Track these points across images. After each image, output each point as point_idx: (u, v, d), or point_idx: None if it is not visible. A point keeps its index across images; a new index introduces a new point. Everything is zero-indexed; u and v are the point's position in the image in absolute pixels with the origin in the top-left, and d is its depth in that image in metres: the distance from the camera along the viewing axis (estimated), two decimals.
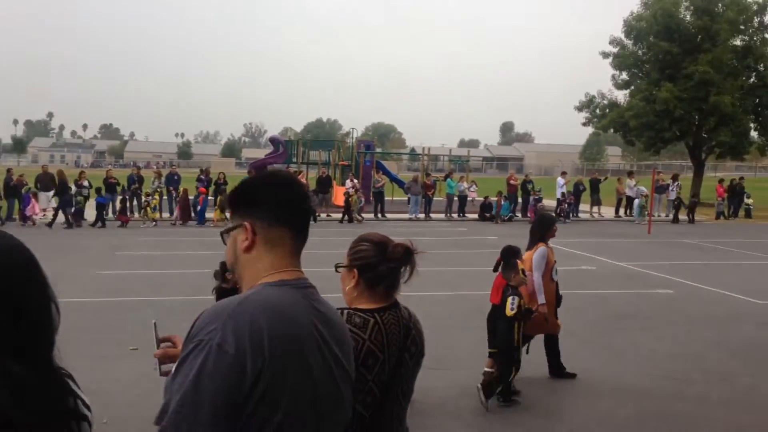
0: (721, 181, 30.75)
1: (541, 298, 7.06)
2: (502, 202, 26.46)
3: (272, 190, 1.83)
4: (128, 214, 22.84)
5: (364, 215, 25.61)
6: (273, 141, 34.62)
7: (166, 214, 24.19)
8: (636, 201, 27.51)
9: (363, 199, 25.47)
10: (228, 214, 1.92)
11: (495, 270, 6.90)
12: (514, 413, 6.32)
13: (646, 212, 26.28)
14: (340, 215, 25.10)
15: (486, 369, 6.87)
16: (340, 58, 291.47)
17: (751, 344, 8.81)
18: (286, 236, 1.81)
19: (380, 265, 2.53)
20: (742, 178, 31.56)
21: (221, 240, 1.91)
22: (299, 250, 1.86)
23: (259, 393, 1.57)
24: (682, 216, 27.62)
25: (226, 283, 5.56)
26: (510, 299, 6.41)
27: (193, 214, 23.40)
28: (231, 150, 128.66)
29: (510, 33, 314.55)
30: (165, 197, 24.78)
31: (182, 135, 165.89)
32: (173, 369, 1.62)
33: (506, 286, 6.57)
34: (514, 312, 6.39)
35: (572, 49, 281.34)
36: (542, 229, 7.43)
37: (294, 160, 33.85)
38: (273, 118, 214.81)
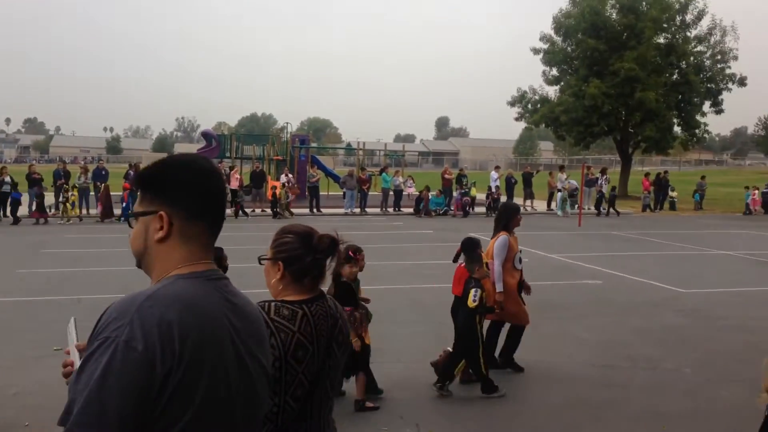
0: (647, 174, 31.79)
1: (499, 286, 7.11)
2: (434, 197, 26.72)
3: (194, 180, 1.73)
4: (48, 211, 22.09)
5: (298, 210, 25.42)
6: (205, 135, 33.96)
7: (93, 211, 23.45)
8: (559, 195, 27.93)
9: (290, 195, 25.27)
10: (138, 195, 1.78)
11: (455, 261, 6.95)
12: (444, 403, 6.36)
13: (568, 205, 26.99)
14: (280, 210, 24.87)
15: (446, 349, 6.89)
16: (277, 53, 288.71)
17: (674, 331, 9.12)
18: (203, 230, 1.74)
19: (306, 257, 2.50)
20: (666, 172, 32.69)
21: (127, 223, 1.80)
22: (213, 242, 1.79)
23: (170, 390, 1.51)
24: (604, 209, 28.42)
25: None
26: (473, 291, 6.45)
27: (119, 211, 22.72)
28: (163, 145, 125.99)
29: (445, 28, 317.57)
30: (92, 193, 24.04)
31: (111, 129, 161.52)
32: (76, 367, 1.54)
33: (469, 278, 6.60)
34: (476, 304, 6.44)
35: (505, 44, 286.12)
36: (506, 218, 7.47)
37: (227, 154, 33.33)
38: (206, 112, 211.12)
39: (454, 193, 27.35)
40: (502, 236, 7.33)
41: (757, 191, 29.76)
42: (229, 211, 25.23)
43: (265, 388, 1.81)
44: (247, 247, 11.34)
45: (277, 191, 24.78)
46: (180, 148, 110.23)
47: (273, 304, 2.46)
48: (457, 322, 6.74)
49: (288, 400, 2.40)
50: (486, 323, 7.05)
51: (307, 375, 2.43)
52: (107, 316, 1.55)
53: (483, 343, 6.63)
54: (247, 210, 25.48)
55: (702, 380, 7.12)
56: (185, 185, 1.71)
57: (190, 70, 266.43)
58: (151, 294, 1.58)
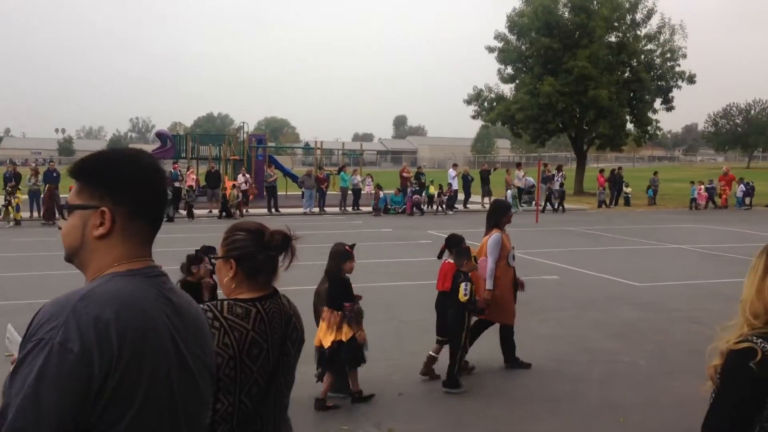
0: (601, 171, 32.33)
1: (490, 284, 7.11)
2: (393, 195, 26.82)
3: (141, 177, 1.67)
4: None
5: (256, 210, 25.22)
6: (160, 136, 33.54)
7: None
8: (508, 192, 27.99)
9: (239, 195, 25.08)
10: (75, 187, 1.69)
11: (439, 257, 7.01)
12: (404, 400, 6.36)
13: (518, 203, 27.31)
14: (231, 211, 24.63)
15: (431, 353, 6.92)
16: (233, 53, 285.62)
17: (629, 324, 9.30)
18: (145, 229, 1.69)
19: (258, 254, 2.47)
20: (620, 168, 33.31)
21: (61, 215, 1.70)
22: (152, 239, 1.74)
23: (108, 392, 1.47)
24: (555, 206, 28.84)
25: (191, 276, 5.80)
26: (463, 285, 6.50)
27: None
28: (117, 145, 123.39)
29: (401, 27, 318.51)
30: (42, 196, 23.48)
31: (63, 131, 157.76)
32: (11, 371, 1.49)
33: (457, 272, 6.64)
34: (467, 298, 6.50)
35: (462, 42, 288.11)
36: (497, 216, 7.48)
37: (183, 155, 32.92)
38: (161, 113, 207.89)
39: (390, 192, 27.39)
40: (495, 234, 7.31)
41: (702, 186, 30.35)
42: (183, 212, 24.93)
43: (209, 387, 1.78)
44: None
45: (227, 192, 24.58)
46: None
47: (226, 302, 2.43)
48: (445, 317, 6.79)
49: (243, 399, 2.37)
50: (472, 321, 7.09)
51: (262, 373, 2.40)
52: (40, 317, 1.50)
53: (468, 338, 6.70)
54: (203, 211, 25.19)
55: (656, 372, 7.26)
56: (132, 182, 1.65)
57: (142, 71, 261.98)
58: (86, 293, 1.53)
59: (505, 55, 37.58)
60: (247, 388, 2.37)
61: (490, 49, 38.03)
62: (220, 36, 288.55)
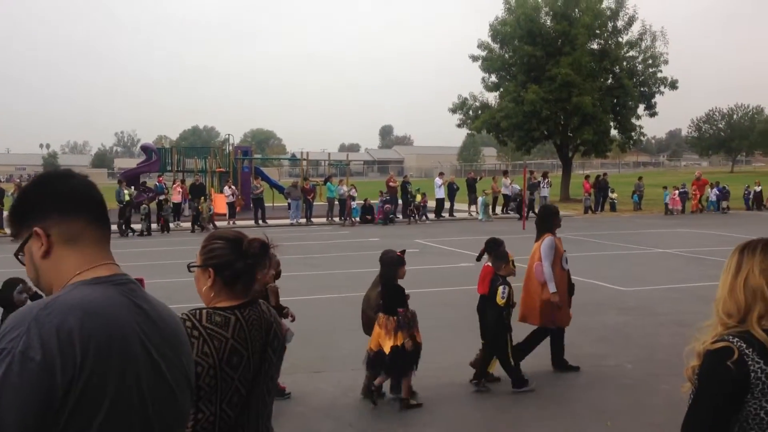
0: (587, 177, 32.52)
1: (552, 287, 7.17)
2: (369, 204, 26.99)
3: (51, 186, 1.71)
4: None
5: (243, 222, 25.14)
6: (145, 149, 33.41)
7: None
8: (480, 200, 27.84)
9: (212, 208, 25.06)
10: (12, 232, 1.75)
11: (478, 260, 7.23)
12: (389, 408, 6.35)
13: (490, 210, 27.30)
14: (221, 222, 24.55)
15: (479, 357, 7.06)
16: (219, 65, 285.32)
17: (616, 329, 9.35)
18: (86, 226, 1.69)
19: (237, 263, 2.48)
20: (606, 174, 33.52)
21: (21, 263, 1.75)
22: (106, 239, 1.74)
23: (73, 400, 1.45)
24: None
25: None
26: (501, 288, 6.66)
27: None
28: (102, 160, 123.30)
29: (386, 37, 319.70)
30: None
31: (48, 146, 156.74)
32: None
33: (495, 276, 6.79)
34: (504, 301, 6.64)
35: (446, 51, 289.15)
36: (548, 220, 7.57)
37: (168, 168, 32.82)
38: (147, 126, 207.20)
39: (375, 202, 27.26)
40: (548, 237, 7.37)
41: (676, 191, 30.32)
42: (172, 225, 24.84)
43: (186, 395, 1.76)
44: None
45: (200, 206, 24.58)
46: (120, 163, 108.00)
47: (205, 311, 2.44)
48: (484, 319, 6.92)
49: (224, 408, 2.37)
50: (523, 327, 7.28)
51: (243, 382, 2.40)
52: (2, 328, 1.49)
53: (511, 338, 6.83)
54: (189, 223, 25.11)
55: (643, 375, 7.30)
56: (46, 195, 1.69)
57: (126, 84, 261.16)
58: (49, 302, 1.53)
59: (488, 63, 37.79)
60: (228, 397, 2.37)
61: (474, 58, 38.24)
62: (206, 48, 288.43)
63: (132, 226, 23.32)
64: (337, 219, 26.97)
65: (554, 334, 7.49)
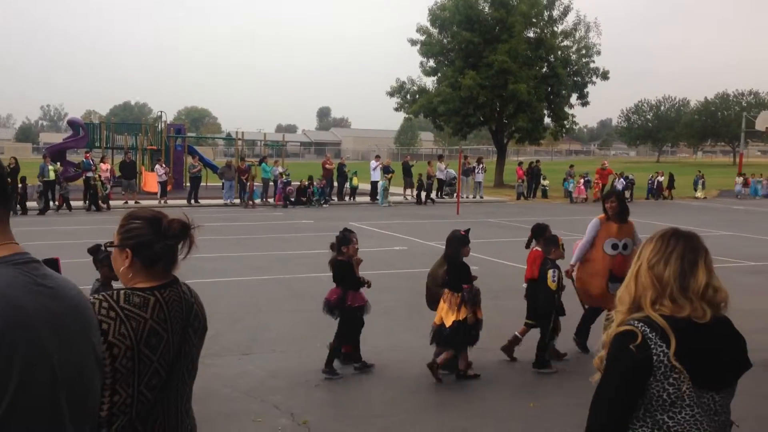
0: (520, 164, 33.09)
1: (574, 259, 7.50)
2: (315, 187, 26.76)
3: None
4: None
5: (175, 201, 24.61)
6: (72, 124, 32.19)
7: None
8: (380, 184, 27.15)
9: (109, 187, 24.27)
10: None
11: (527, 247, 7.43)
12: (319, 390, 6.32)
13: (450, 194, 27.53)
14: (151, 201, 23.95)
15: (516, 334, 7.30)
16: (153, 38, 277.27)
17: None
18: None
19: (156, 243, 2.40)
20: (538, 161, 34.18)
21: None
22: (5, 218, 1.65)
23: None
24: (481, 196, 29.31)
25: (342, 255, 6.75)
26: (551, 272, 6.84)
27: None
28: (27, 134, 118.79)
29: (325, 17, 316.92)
30: None
31: None
32: None
33: (545, 260, 6.95)
34: (555, 284, 6.84)
35: (386, 34, 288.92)
36: (603, 202, 7.90)
37: (97, 144, 31.80)
38: (75, 100, 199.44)
39: (343, 182, 27.07)
40: (595, 219, 7.67)
41: (582, 180, 30.63)
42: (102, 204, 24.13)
43: (95, 372, 1.72)
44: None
45: (96, 183, 23.43)
46: (46, 138, 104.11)
47: (122, 291, 2.35)
48: (535, 303, 7.10)
49: (143, 390, 2.30)
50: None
51: (162, 363, 2.34)
52: None
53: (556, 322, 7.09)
54: (119, 202, 24.42)
55: (569, 356, 7.48)
56: None
57: (54, 55, 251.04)
58: None
59: (427, 48, 37.87)
60: (147, 379, 2.30)
61: (413, 42, 38.25)
62: (139, 19, 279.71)
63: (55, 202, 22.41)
64: (271, 200, 26.69)
65: (585, 315, 7.79)
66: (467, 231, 6.91)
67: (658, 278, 2.23)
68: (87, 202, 23.55)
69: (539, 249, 7.18)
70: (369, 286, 6.90)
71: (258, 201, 25.95)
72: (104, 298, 2.31)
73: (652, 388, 2.16)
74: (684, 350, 2.13)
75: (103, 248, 2.54)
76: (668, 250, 2.26)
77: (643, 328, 2.17)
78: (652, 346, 2.14)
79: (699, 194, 33.22)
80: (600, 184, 30.88)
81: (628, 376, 2.17)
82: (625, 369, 2.17)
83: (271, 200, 26.70)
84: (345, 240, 6.77)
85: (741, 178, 35.04)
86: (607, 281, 7.45)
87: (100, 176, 24.04)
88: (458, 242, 6.73)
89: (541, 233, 7.27)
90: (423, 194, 28.39)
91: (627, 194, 30.73)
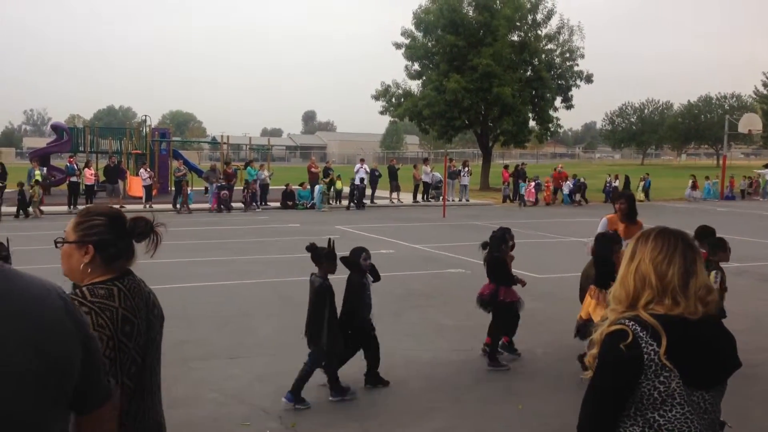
0: (506, 167, 33.18)
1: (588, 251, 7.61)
2: (300, 190, 26.69)
3: None
4: None
5: (160, 206, 24.49)
6: (56, 128, 32.03)
7: None
8: (317, 188, 26.65)
9: (42, 192, 23.40)
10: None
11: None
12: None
13: (436, 197, 27.50)
14: (136, 206, 23.83)
15: None
16: (137, 42, 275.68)
17: (529, 315, 9.51)
18: None
19: (118, 241, 2.44)
20: (524, 164, 34.28)
21: None
22: None
23: None
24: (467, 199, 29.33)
25: (499, 251, 7.29)
26: (713, 273, 6.87)
27: None
28: (10, 139, 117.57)
29: (310, 21, 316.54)
30: None
31: None
32: None
33: (707, 261, 6.93)
34: (717, 285, 6.84)
35: (371, 38, 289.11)
36: (614, 203, 8.20)
37: (81, 148, 31.62)
38: (58, 104, 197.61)
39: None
40: (605, 218, 7.96)
41: (532, 183, 30.25)
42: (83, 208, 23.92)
43: (31, 385, 1.50)
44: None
45: (31, 189, 22.21)
46: (29, 143, 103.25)
47: (85, 288, 2.38)
48: None
49: (125, 381, 2.35)
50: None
51: (137, 350, 2.39)
52: None
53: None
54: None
55: (553, 359, 7.53)
56: None
57: (37, 58, 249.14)
58: None
59: (411, 51, 37.97)
60: (127, 368, 2.35)
61: (398, 45, 38.35)
62: (122, 23, 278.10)
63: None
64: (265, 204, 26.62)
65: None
66: (615, 231, 7.15)
67: (661, 277, 2.23)
68: (72, 206, 23.41)
69: (704, 251, 7.35)
70: (523, 285, 7.47)
71: (190, 205, 24.87)
72: (74, 296, 2.33)
73: (642, 387, 2.18)
74: (675, 349, 2.15)
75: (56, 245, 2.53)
76: (671, 248, 2.27)
77: (634, 326, 2.19)
78: (643, 345, 2.16)
79: (639, 196, 32.56)
80: (550, 188, 30.73)
81: (619, 375, 2.19)
82: (615, 368, 2.19)
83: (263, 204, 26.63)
84: (503, 239, 7.38)
85: (690, 181, 34.67)
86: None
87: (37, 181, 22.95)
88: (608, 241, 6.94)
89: (707, 236, 7.35)
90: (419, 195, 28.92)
91: (578, 197, 30.69)
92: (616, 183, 32.76)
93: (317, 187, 26.77)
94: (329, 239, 6.44)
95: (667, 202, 32.67)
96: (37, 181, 22.96)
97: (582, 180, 31.64)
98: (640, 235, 2.39)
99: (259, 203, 26.18)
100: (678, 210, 28.25)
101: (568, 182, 30.89)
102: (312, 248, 6.24)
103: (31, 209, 22.07)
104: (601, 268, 6.80)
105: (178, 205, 24.62)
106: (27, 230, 17.99)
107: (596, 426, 2.24)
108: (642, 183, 33.24)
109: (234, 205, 26.06)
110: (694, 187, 34.28)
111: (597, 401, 2.25)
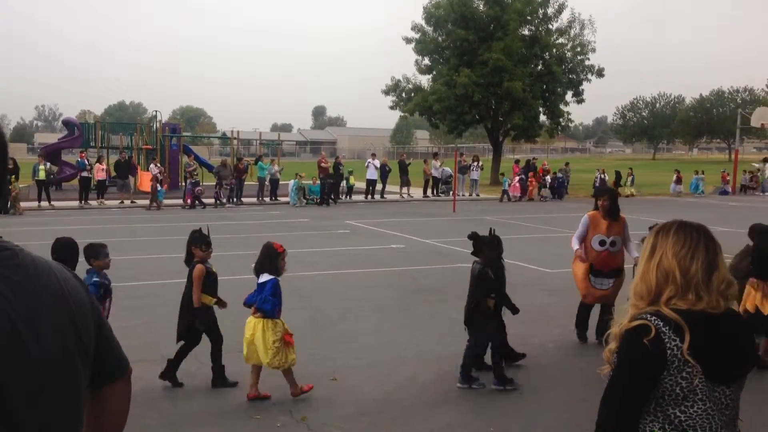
0: (517, 161, 33.07)
1: (575, 245, 7.93)
2: (311, 185, 26.70)
3: None
4: None
5: (170, 201, 24.57)
6: (67, 124, 32.14)
7: None
8: (291, 183, 26.31)
9: (18, 190, 22.56)
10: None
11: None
12: (317, 389, 6.33)
13: (446, 191, 27.36)
14: (145, 201, 23.93)
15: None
16: (148, 38, 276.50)
17: (541, 309, 9.55)
18: None
19: None
20: (535, 159, 34.18)
21: None
22: None
23: None
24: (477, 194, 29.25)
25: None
26: None
27: None
28: (21, 135, 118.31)
29: (321, 16, 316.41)
30: None
31: None
32: None
33: None
34: None
35: (381, 33, 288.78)
36: (596, 200, 8.17)
37: (92, 144, 31.76)
38: (69, 100, 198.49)
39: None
40: (585, 215, 7.98)
41: (517, 179, 29.94)
42: (94, 202, 24.12)
43: (71, 369, 1.57)
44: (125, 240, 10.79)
45: (12, 185, 21.51)
46: (41, 138, 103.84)
47: None
48: None
49: None
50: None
51: None
52: None
53: None
54: (114, 202, 24.39)
55: (563, 354, 7.51)
56: None
57: (49, 55, 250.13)
58: None
59: (422, 46, 37.89)
60: None
61: (408, 40, 38.25)
62: (135, 19, 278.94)
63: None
64: (267, 199, 26.67)
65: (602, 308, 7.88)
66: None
67: (685, 271, 2.20)
68: (83, 201, 23.56)
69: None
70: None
71: (161, 201, 24.20)
72: None
73: (665, 383, 2.14)
74: (697, 344, 2.12)
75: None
76: (693, 242, 2.24)
77: (656, 322, 2.15)
78: (666, 340, 2.12)
79: (627, 191, 31.92)
80: (533, 182, 30.39)
81: (641, 371, 2.15)
82: (637, 363, 2.15)
83: (266, 199, 26.68)
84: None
85: (675, 175, 34.13)
86: (589, 274, 7.79)
87: (15, 176, 22.28)
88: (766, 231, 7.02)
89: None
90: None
91: (547, 193, 30.33)
92: (604, 176, 32.44)
93: (291, 182, 26.39)
94: (490, 228, 6.63)
95: (669, 197, 32.50)
96: (12, 177, 21.83)
97: (560, 175, 31.05)
98: (660, 228, 2.34)
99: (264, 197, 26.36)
100: (691, 204, 28.06)
101: (549, 176, 30.60)
102: (474, 237, 6.49)
103: (9, 205, 21.43)
104: (765, 259, 6.85)
105: (224, 200, 25.12)
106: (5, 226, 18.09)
107: (618, 423, 2.19)
108: (630, 177, 33.06)
109: (245, 200, 26.14)
110: (679, 181, 33.93)
111: (618, 397, 2.20)
